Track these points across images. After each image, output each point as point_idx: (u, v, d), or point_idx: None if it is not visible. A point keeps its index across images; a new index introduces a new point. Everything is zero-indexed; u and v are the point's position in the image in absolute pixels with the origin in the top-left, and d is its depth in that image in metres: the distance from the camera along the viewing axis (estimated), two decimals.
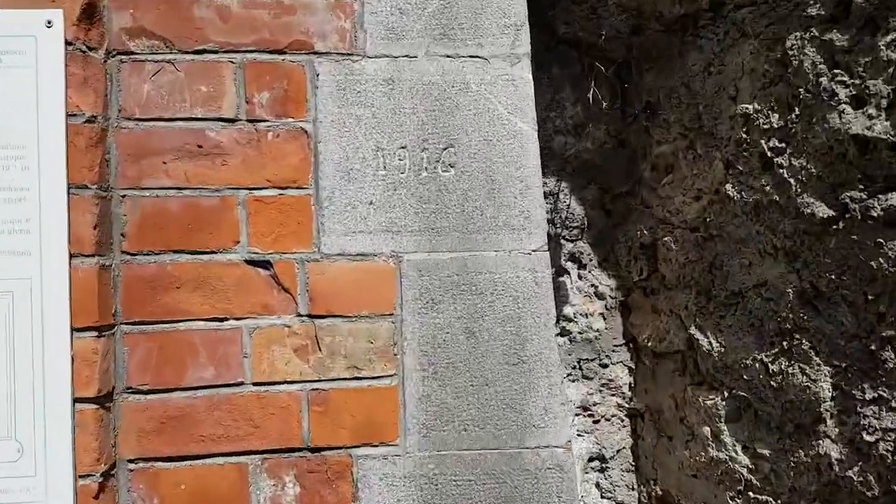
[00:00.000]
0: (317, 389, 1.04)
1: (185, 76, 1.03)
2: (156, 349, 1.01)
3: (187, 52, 1.03)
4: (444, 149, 1.07)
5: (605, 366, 1.36)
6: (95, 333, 0.96)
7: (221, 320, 1.03)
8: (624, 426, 1.38)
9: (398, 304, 1.05)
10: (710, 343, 1.19)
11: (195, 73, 1.03)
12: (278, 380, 1.04)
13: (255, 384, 1.03)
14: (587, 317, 1.36)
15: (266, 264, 1.04)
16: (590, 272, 1.34)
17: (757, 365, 1.11)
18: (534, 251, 1.07)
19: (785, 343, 1.07)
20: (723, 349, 1.17)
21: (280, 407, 1.03)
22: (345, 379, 1.05)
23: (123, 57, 1.02)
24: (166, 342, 1.02)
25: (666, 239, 1.26)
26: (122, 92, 1.02)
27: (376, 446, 1.04)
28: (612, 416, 1.38)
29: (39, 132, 0.95)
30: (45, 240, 0.94)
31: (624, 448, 1.38)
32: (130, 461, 1.00)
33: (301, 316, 1.04)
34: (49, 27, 0.95)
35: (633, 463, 1.38)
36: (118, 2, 1.03)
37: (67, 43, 0.97)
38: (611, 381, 1.36)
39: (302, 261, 1.04)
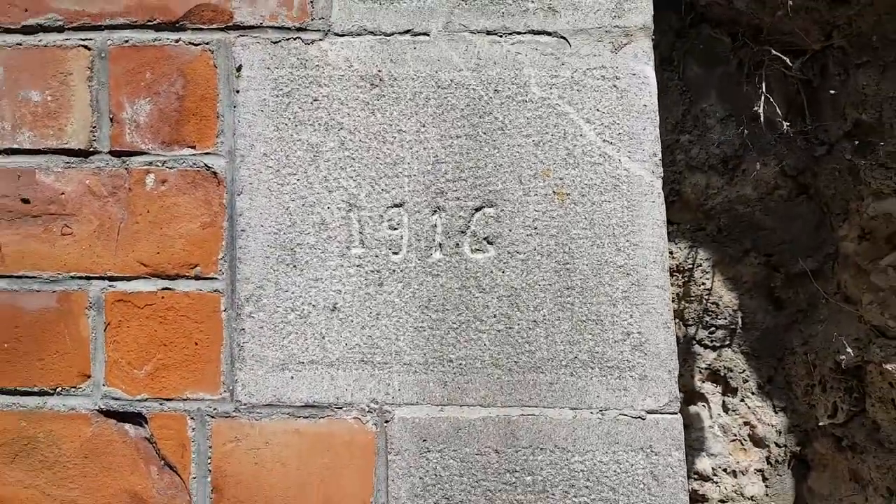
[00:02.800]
0: None
1: (3, 75, 0.58)
2: None
3: (10, 30, 0.58)
4: (478, 209, 0.55)
5: None
6: None
7: None
8: None
9: None
10: None
11: (20, 69, 0.58)
12: None
13: None
14: (736, 475, 0.80)
15: (137, 418, 0.57)
16: (742, 401, 0.79)
17: None
18: (651, 412, 0.53)
19: None
20: None
21: None
22: None
23: None
24: None
25: (881, 359, 0.69)
26: None
27: None
28: None
29: None
30: None
31: None
32: None
33: None
34: None
35: None
36: None
37: None
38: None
39: (202, 414, 0.56)
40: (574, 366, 0.55)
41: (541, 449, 0.56)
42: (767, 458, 0.83)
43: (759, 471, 0.83)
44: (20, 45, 0.58)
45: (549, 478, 0.55)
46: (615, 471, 0.55)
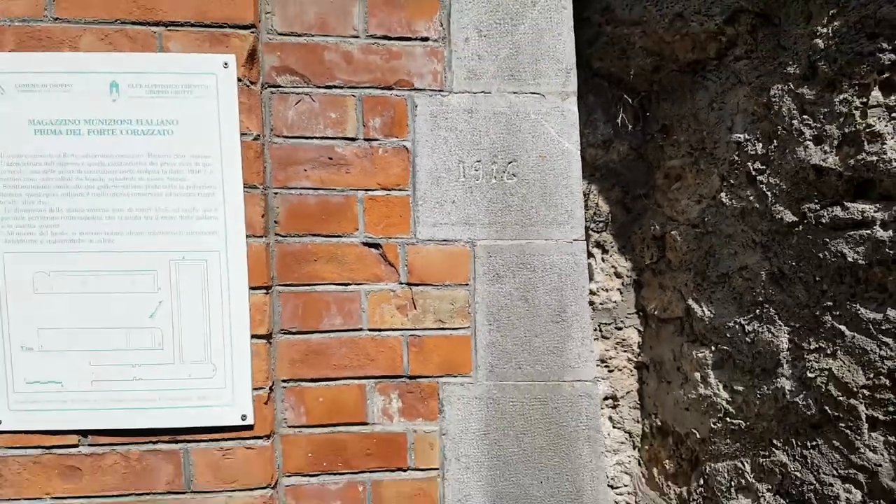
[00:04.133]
0: (414, 335, 1.45)
1: (319, 105, 1.42)
2: (301, 304, 1.43)
3: (320, 87, 1.41)
4: (509, 162, 1.45)
5: (620, 329, 1.76)
6: (264, 291, 1.38)
7: (346, 285, 1.44)
8: (632, 374, 1.80)
9: (472, 276, 1.46)
10: (703, 311, 1.59)
11: (326, 104, 1.41)
12: (386, 328, 1.45)
13: (370, 330, 1.45)
14: (608, 291, 1.75)
15: (377, 246, 1.44)
16: (611, 256, 1.74)
17: (737, 326, 1.51)
18: (574, 240, 1.46)
19: (757, 310, 1.47)
20: (712, 315, 1.57)
21: (388, 347, 1.45)
22: (433, 329, 1.46)
23: (273, 89, 1.41)
24: (308, 299, 1.43)
25: (672, 232, 1.65)
26: (272, 116, 1.41)
27: (454, 376, 1.46)
28: (623, 366, 1.79)
29: (222, 145, 1.34)
30: (229, 224, 1.34)
31: (631, 391, 1.80)
32: (284, 381, 1.43)
33: (402, 283, 1.45)
34: (225, 68, 1.33)
35: (638, 402, 1.80)
36: (269, 46, 1.40)
37: (238, 79, 1.35)
38: (623, 340, 1.77)
39: (403, 244, 1.45)
40: (546, 223, 1.47)
41: (532, 255, 1.47)
42: (622, 283, 1.79)
43: (619, 289, 1.80)
44: (325, 93, 1.41)
45: (536, 265, 1.47)
46: (560, 262, 1.47)
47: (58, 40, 1.29)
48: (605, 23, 1.61)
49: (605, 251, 1.74)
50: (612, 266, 1.75)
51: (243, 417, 1.37)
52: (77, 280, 1.33)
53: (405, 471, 1.47)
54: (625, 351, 1.78)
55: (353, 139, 1.43)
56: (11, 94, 1.29)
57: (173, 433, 1.37)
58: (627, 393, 1.79)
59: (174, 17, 1.31)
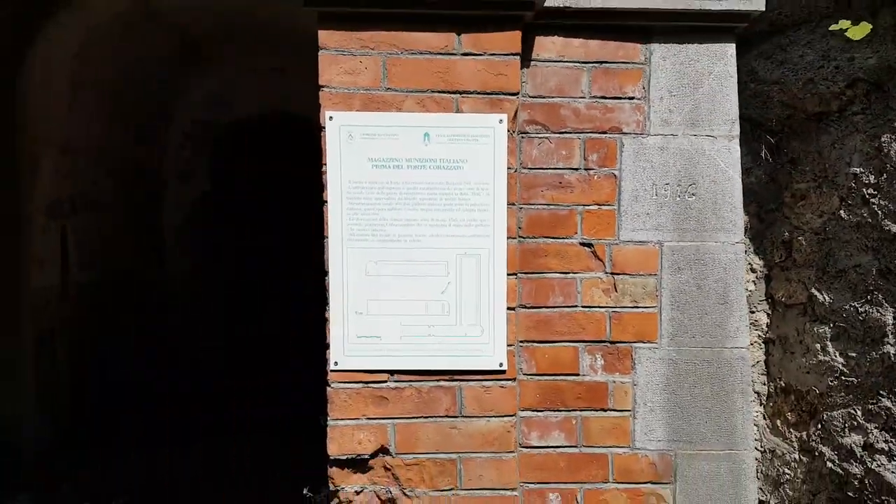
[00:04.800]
0: (615, 311, 2.04)
1: (554, 146, 2.01)
2: (534, 287, 2.02)
3: (556, 133, 2.01)
4: (689, 185, 2.03)
5: (753, 312, 2.31)
6: (514, 276, 1.97)
7: (566, 273, 2.03)
8: (761, 348, 2.35)
9: (659, 268, 2.03)
10: (824, 297, 2.14)
11: (560, 144, 2.01)
12: (594, 305, 2.03)
13: (583, 307, 2.03)
14: (745, 283, 2.31)
15: (590, 245, 2.03)
16: (748, 256, 2.28)
17: (851, 308, 2.06)
18: (735, 243, 2.03)
19: (868, 297, 2.01)
20: (831, 300, 2.12)
21: (595, 319, 2.04)
22: (629, 307, 2.04)
23: (523, 135, 2.01)
24: (540, 283, 2.02)
25: (799, 238, 2.20)
26: (522, 153, 2.01)
27: (644, 342, 2.04)
28: (754, 342, 2.34)
29: (495, 176, 1.94)
30: (497, 230, 1.94)
31: (759, 361, 2.35)
32: (521, 341, 2.02)
33: (607, 273, 2.03)
34: (500, 123, 1.93)
35: (764, 369, 2.35)
36: (523, 105, 2.00)
37: (507, 130, 1.95)
38: (756, 321, 2.32)
39: (608, 244, 2.03)
40: (716, 230, 2.03)
41: (705, 254, 2.04)
42: (756, 276, 2.34)
43: (753, 281, 2.35)
44: (559, 137, 2.01)
45: (707, 261, 2.04)
46: (724, 258, 2.04)
47: (389, 104, 1.91)
48: (751, 81, 2.18)
49: (744, 252, 2.30)
50: (749, 263, 2.30)
51: (500, 365, 1.97)
52: (394, 267, 1.94)
53: (605, 410, 2.05)
54: (756, 329, 2.33)
55: (576, 169, 2.02)
56: (357, 139, 1.92)
57: (451, 374, 1.97)
58: (757, 363, 2.34)
59: (466, 87, 1.92)
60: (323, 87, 1.91)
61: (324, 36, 1.90)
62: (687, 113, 2.02)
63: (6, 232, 5.12)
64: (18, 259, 5.25)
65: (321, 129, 1.94)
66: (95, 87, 5.92)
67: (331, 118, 1.92)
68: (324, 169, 1.94)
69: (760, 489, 2.30)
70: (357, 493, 1.99)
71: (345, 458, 1.96)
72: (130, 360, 6.76)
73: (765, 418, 2.38)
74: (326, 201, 1.94)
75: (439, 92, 1.92)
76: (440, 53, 1.91)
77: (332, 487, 2.00)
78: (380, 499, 1.99)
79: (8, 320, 5.16)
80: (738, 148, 2.03)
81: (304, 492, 2.52)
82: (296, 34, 6.74)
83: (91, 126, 6.03)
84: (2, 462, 5.04)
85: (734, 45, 2.03)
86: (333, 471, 1.98)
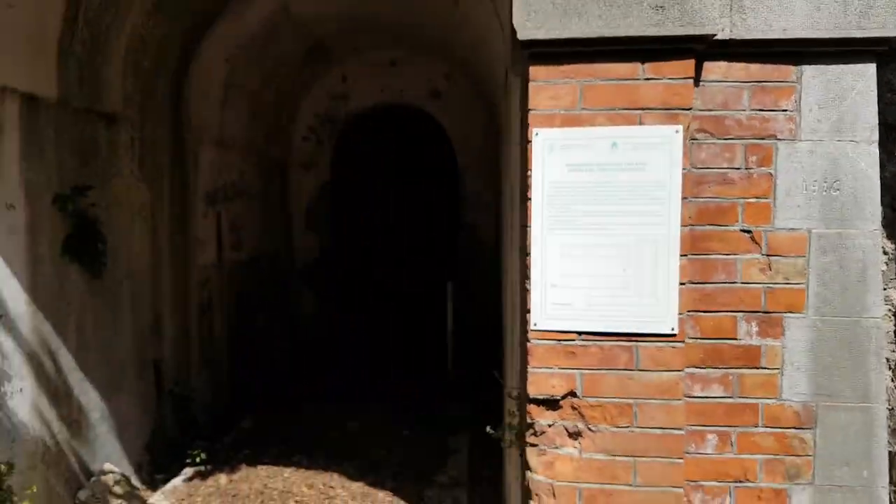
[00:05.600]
0: (769, 287, 2.48)
1: (719, 150, 2.46)
2: (700, 267, 2.49)
3: (721, 139, 2.46)
4: (834, 181, 2.43)
5: (885, 289, 2.70)
6: (685, 258, 2.45)
7: (728, 255, 2.49)
8: (891, 321, 2.72)
9: (808, 251, 2.46)
10: None
11: (724, 148, 2.46)
12: (751, 282, 2.48)
13: (742, 283, 2.49)
14: (880, 264, 2.70)
15: (749, 231, 2.48)
16: (883, 240, 2.66)
17: None
18: (873, 230, 2.43)
19: None
20: None
21: (752, 294, 2.49)
22: (781, 283, 2.48)
23: (693, 141, 2.47)
24: (705, 264, 2.49)
25: None
26: (692, 156, 2.47)
27: (792, 312, 2.48)
28: (886, 314, 2.72)
29: (671, 175, 2.41)
30: (671, 219, 2.42)
31: (889, 331, 2.73)
32: (689, 311, 2.50)
33: (763, 255, 2.48)
34: (676, 133, 2.40)
35: (893, 338, 2.73)
36: (694, 117, 2.45)
37: (683, 139, 2.41)
38: (887, 297, 2.70)
39: (765, 231, 2.47)
40: (856, 219, 2.44)
41: (846, 238, 2.45)
42: (888, 258, 2.72)
43: (885, 262, 2.73)
44: (723, 143, 2.46)
45: (848, 245, 2.45)
46: (864, 243, 2.44)
47: (583, 120, 2.42)
48: (888, 91, 2.55)
49: (880, 237, 2.68)
50: (883, 247, 2.68)
51: (672, 329, 2.46)
52: (584, 250, 2.47)
53: (758, 368, 2.51)
54: (886, 305, 2.71)
55: (738, 168, 2.46)
56: (557, 149, 2.44)
57: (629, 336, 2.48)
58: (887, 333, 2.73)
59: (648, 105, 2.40)
60: (531, 109, 2.44)
61: (533, 70, 2.43)
62: (833, 122, 2.42)
63: (181, 218, 6.00)
64: (187, 241, 6.14)
65: (528, 142, 2.47)
66: (241, 88, 6.74)
67: (536, 134, 2.45)
68: (529, 173, 2.48)
69: (889, 441, 2.71)
70: (549, 426, 2.54)
71: (541, 397, 2.52)
72: (271, 327, 7.65)
73: (891, 381, 2.77)
74: (530, 198, 2.48)
75: (625, 109, 2.41)
76: (627, 80, 2.39)
77: (528, 420, 2.56)
78: (567, 431, 2.54)
79: (182, 293, 6.06)
80: (877, 150, 2.42)
81: (487, 429, 3.11)
82: (410, 33, 7.34)
83: (238, 123, 6.86)
84: (182, 414, 5.97)
85: (875, 65, 2.41)
86: (531, 407, 2.54)
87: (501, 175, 7.77)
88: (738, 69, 2.45)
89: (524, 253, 2.57)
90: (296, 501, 5.00)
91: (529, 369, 2.53)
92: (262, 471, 5.54)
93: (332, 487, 5.20)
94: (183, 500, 5.11)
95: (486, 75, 6.82)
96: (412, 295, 8.19)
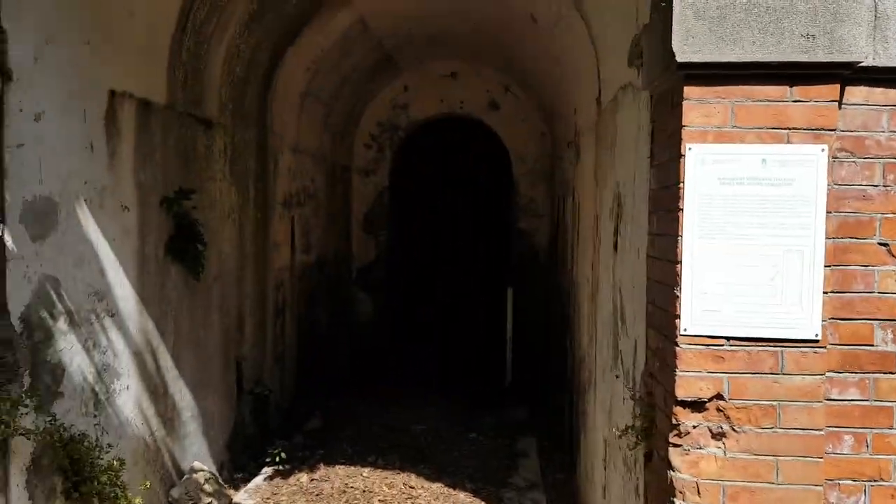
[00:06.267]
0: None
1: (859, 168, 2.65)
2: (840, 276, 2.67)
3: (861, 158, 2.65)
4: None
5: None
6: (829, 269, 2.63)
7: (866, 266, 2.67)
8: None
9: None
10: None
11: (863, 167, 2.64)
12: (888, 292, 2.66)
13: (879, 293, 2.66)
14: None
15: (886, 245, 2.66)
16: None
17: None
18: None
19: None
20: None
21: (889, 304, 2.66)
22: None
23: (834, 159, 2.65)
24: (844, 274, 2.68)
25: None
26: (833, 174, 2.64)
27: None
28: None
29: (817, 190, 2.60)
30: (817, 230, 2.61)
31: None
32: (829, 318, 2.68)
33: None
34: (822, 151, 2.59)
35: None
36: (835, 138, 2.64)
37: (828, 157, 2.59)
38: None
39: None
40: None
41: None
42: None
43: None
44: (863, 161, 2.64)
45: None
46: None
47: (734, 137, 2.62)
48: None
49: None
50: None
51: (815, 335, 2.64)
52: (733, 259, 2.66)
53: (893, 374, 2.69)
54: None
55: (876, 185, 2.65)
56: (709, 163, 2.63)
57: (775, 341, 2.66)
58: None
59: (795, 125, 2.59)
60: (684, 126, 2.64)
61: (687, 90, 2.63)
62: None
63: (262, 221, 6.24)
64: (267, 243, 6.38)
65: (681, 156, 2.67)
66: (316, 97, 6.99)
67: (690, 149, 2.64)
68: (680, 185, 2.67)
69: None
70: (694, 427, 2.72)
71: (689, 399, 2.70)
72: (334, 330, 7.86)
73: None
74: (682, 209, 2.67)
75: (774, 128, 2.60)
76: (776, 101, 2.59)
77: (674, 422, 2.74)
78: (711, 432, 2.72)
79: (261, 294, 6.29)
80: None
81: (613, 430, 3.29)
82: (472, 45, 7.58)
83: (311, 130, 7.12)
84: (259, 413, 6.18)
85: None
86: (677, 409, 2.72)
87: (556, 183, 7.99)
88: (878, 93, 2.64)
89: (672, 261, 2.76)
90: (379, 500, 5.19)
91: (678, 373, 2.70)
92: (341, 470, 5.73)
93: (412, 488, 5.39)
94: (268, 498, 5.31)
95: (550, 90, 7.04)
96: (467, 299, 8.39)
